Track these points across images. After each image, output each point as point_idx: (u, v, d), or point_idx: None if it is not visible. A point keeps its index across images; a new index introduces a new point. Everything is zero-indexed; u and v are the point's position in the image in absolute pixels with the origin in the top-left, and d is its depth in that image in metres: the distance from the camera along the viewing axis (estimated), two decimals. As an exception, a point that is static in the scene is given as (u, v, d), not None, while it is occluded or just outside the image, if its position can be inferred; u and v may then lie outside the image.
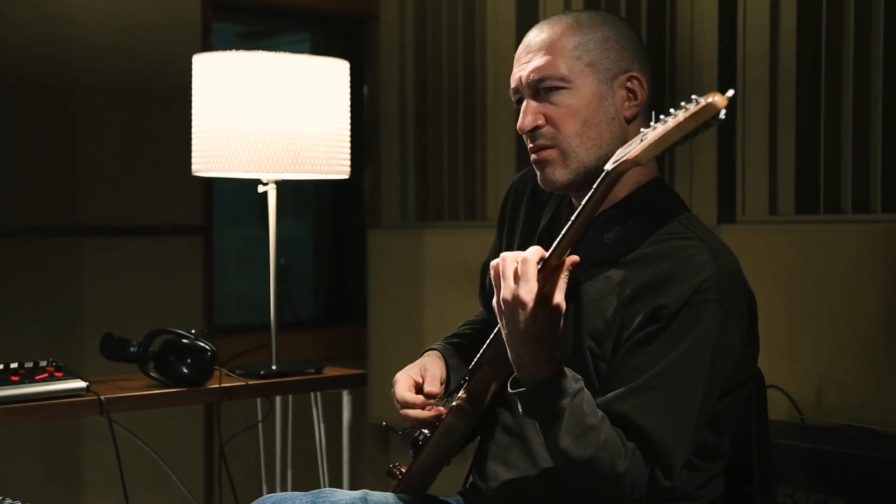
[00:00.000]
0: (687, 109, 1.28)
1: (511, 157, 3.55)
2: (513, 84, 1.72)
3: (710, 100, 1.25)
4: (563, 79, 1.66)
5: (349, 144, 2.62)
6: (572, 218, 1.44)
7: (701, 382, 1.53)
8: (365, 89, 4.15)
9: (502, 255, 1.47)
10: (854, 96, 2.75)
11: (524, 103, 1.70)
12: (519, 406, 1.52)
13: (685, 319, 1.53)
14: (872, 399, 2.62)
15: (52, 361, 2.29)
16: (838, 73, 2.79)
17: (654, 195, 1.69)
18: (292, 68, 2.49)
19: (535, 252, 1.45)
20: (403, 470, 1.87)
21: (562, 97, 1.66)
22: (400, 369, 1.84)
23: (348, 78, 2.62)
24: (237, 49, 2.50)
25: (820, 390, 2.71)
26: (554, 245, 1.45)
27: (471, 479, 1.82)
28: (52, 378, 2.23)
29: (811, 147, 2.84)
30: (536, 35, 1.71)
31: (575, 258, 1.46)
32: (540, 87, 1.67)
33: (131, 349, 2.41)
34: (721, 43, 3.03)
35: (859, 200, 2.76)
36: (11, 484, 3.18)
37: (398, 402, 1.79)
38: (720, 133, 3.02)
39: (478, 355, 1.69)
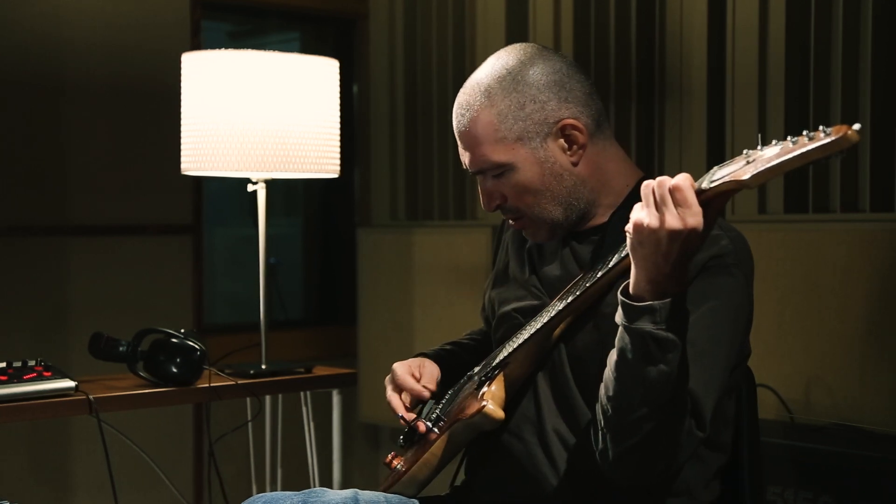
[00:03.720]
0: (812, 139, 1.23)
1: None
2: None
3: (842, 135, 1.21)
4: (499, 164, 1.68)
5: (339, 144, 2.62)
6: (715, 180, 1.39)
7: (724, 339, 1.55)
8: (355, 88, 4.14)
9: (659, 180, 1.40)
10: (842, 97, 2.76)
11: (479, 182, 1.74)
12: (652, 325, 1.41)
13: (706, 281, 1.55)
14: (861, 398, 2.63)
15: (41, 361, 2.28)
16: (827, 73, 2.81)
17: None
18: (282, 67, 2.48)
19: (684, 177, 1.40)
20: (399, 462, 1.83)
21: (506, 179, 1.69)
22: (390, 369, 1.85)
23: (338, 77, 2.62)
24: (226, 48, 2.49)
25: (809, 389, 2.72)
26: (703, 185, 1.40)
27: (462, 478, 1.81)
28: (40, 378, 2.22)
29: (800, 147, 2.84)
30: (459, 120, 1.72)
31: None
32: (483, 173, 1.71)
33: (120, 349, 2.41)
34: (710, 44, 3.04)
35: (848, 200, 2.77)
36: (0, 484, 3.17)
37: (399, 385, 1.80)
38: (710, 132, 3.03)
39: (504, 354, 1.70)
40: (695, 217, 1.38)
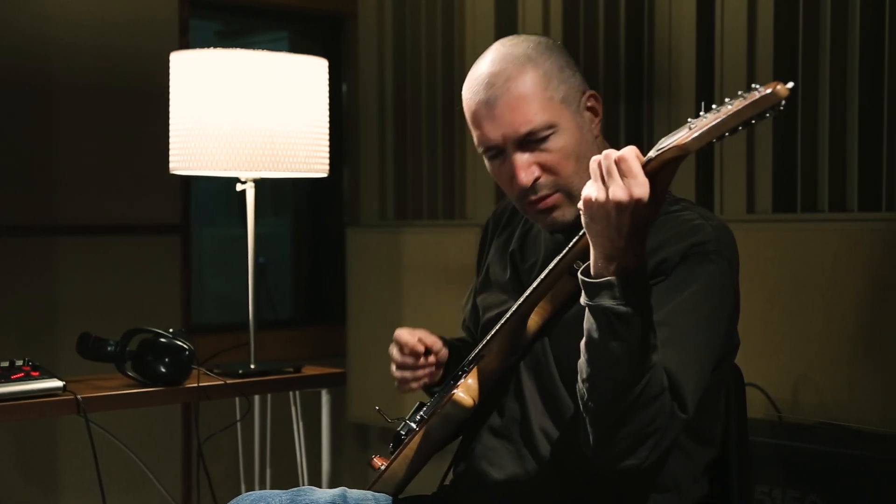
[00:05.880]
0: (745, 98, 1.25)
1: (490, 155, 3.55)
2: (488, 143, 1.67)
3: (771, 90, 1.22)
4: (549, 126, 1.64)
5: (328, 143, 2.62)
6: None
7: (706, 323, 1.54)
8: (344, 87, 4.14)
9: (605, 153, 1.41)
10: (830, 96, 2.77)
11: (511, 156, 1.65)
12: (612, 301, 1.41)
13: (688, 269, 1.55)
14: (848, 397, 2.63)
15: (29, 361, 2.27)
16: (815, 73, 2.81)
17: None
18: (270, 66, 2.48)
19: (630, 149, 1.40)
20: (383, 463, 1.84)
21: (552, 143, 1.64)
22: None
23: (327, 76, 2.61)
24: (215, 47, 2.49)
25: (797, 388, 2.73)
26: (650, 155, 1.40)
27: (450, 478, 1.81)
28: (28, 378, 2.21)
29: (788, 146, 2.85)
30: (498, 84, 1.64)
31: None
32: (527, 140, 1.64)
33: (108, 348, 2.40)
34: (699, 44, 3.05)
35: (836, 200, 2.78)
36: (-13, 484, 3.16)
37: (398, 342, 1.80)
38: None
39: (480, 346, 1.70)
40: (641, 187, 1.38)
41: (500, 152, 1.67)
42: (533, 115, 1.63)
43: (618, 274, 1.42)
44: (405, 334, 1.82)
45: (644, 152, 1.40)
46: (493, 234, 1.91)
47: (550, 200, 1.67)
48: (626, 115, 3.21)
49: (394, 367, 1.83)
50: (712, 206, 2.97)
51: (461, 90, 1.73)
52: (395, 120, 3.94)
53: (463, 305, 1.95)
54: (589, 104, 1.69)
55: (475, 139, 1.70)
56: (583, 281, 1.45)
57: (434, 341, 1.83)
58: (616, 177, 1.38)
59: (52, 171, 3.36)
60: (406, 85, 3.89)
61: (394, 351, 1.83)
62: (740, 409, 1.78)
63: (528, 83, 1.63)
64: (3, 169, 3.28)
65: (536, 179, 1.65)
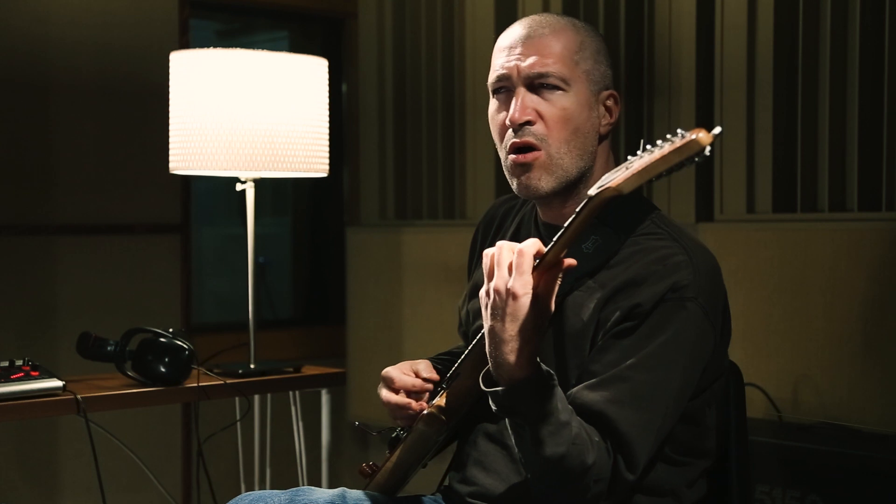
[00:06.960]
0: (672, 143, 1.25)
1: (490, 156, 3.55)
2: (501, 71, 1.66)
3: (694, 136, 1.23)
4: (563, 80, 1.64)
5: (328, 143, 2.62)
6: (558, 234, 1.40)
7: (673, 378, 1.52)
8: (344, 87, 4.14)
9: (499, 243, 1.43)
10: (830, 96, 2.77)
11: (516, 93, 1.65)
12: (491, 403, 1.47)
13: (660, 316, 1.52)
14: (848, 397, 2.63)
15: (28, 360, 2.27)
16: (815, 73, 2.81)
17: (622, 198, 1.68)
18: (270, 66, 2.48)
19: (532, 244, 1.40)
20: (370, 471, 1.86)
21: (557, 97, 1.64)
22: (379, 368, 1.83)
23: (327, 76, 2.61)
24: (215, 47, 2.49)
25: (797, 388, 2.73)
26: (550, 245, 1.40)
27: (447, 482, 1.81)
28: (28, 377, 2.21)
29: (788, 146, 2.85)
30: (534, 28, 1.66)
31: (572, 261, 1.41)
32: (537, 83, 1.64)
33: (108, 348, 2.40)
34: (699, 43, 3.05)
35: (836, 200, 2.78)
36: (-13, 484, 3.16)
37: (398, 387, 1.74)
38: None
39: (456, 364, 1.68)
40: (521, 285, 1.39)
41: (508, 90, 1.67)
42: (553, 62, 1.63)
43: (505, 385, 1.44)
44: (411, 380, 1.75)
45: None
46: (484, 239, 1.90)
47: (531, 155, 1.64)
48: (626, 115, 3.20)
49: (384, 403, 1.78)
50: (712, 206, 2.97)
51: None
52: (395, 120, 3.94)
53: (459, 308, 1.95)
54: (608, 102, 1.69)
55: (492, 71, 1.70)
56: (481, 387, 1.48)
57: (431, 371, 1.78)
58: (503, 268, 1.41)
59: (51, 171, 3.36)
60: (406, 85, 3.89)
61: (383, 391, 1.76)
62: (740, 408, 1.78)
63: (563, 40, 1.65)
64: (3, 169, 3.28)
65: (528, 123, 1.64)
